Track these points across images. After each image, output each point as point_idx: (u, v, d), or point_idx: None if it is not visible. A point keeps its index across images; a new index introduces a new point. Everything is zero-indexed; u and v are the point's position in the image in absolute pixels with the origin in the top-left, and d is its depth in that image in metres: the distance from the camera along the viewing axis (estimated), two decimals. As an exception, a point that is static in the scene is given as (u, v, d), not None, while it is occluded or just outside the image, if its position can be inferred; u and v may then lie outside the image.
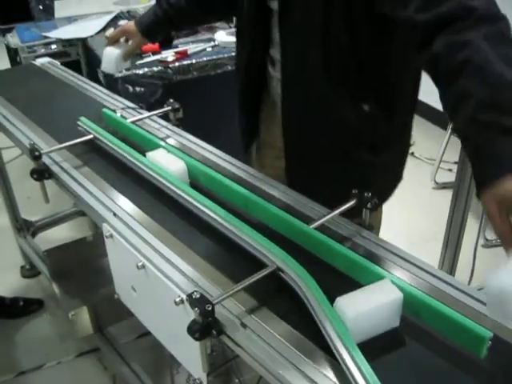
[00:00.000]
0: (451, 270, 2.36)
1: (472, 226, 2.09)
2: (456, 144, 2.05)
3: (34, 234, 2.83)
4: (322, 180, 1.58)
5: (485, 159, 0.97)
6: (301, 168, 1.61)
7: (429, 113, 4.31)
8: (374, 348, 0.97)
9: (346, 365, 0.89)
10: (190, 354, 1.13)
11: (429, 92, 4.26)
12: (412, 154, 4.00)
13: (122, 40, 1.92)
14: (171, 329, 1.19)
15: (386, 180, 1.66)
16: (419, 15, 1.13)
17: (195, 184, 1.47)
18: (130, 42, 1.91)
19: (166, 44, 1.98)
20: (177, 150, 1.56)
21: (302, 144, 1.57)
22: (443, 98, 1.09)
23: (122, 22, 3.10)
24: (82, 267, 2.18)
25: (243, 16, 1.56)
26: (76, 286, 2.13)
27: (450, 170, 3.64)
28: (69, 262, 2.20)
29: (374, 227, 1.52)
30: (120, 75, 2.49)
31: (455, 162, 2.16)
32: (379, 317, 0.98)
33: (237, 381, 1.96)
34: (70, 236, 2.87)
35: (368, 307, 0.97)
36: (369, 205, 1.26)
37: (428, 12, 1.11)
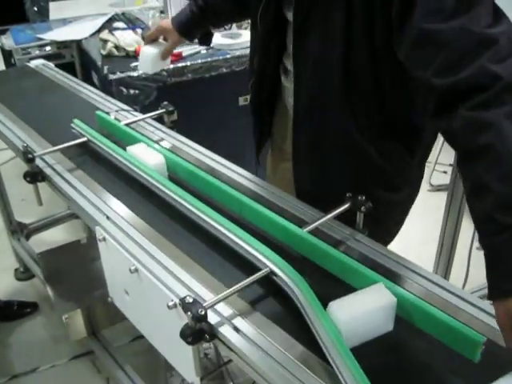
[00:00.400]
0: (446, 273, 2.36)
1: (468, 228, 2.08)
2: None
3: (28, 237, 2.82)
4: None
5: (502, 267, 0.91)
6: (310, 195, 1.49)
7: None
8: (368, 352, 0.97)
9: (338, 369, 0.89)
10: (182, 358, 1.13)
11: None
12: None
13: (161, 39, 1.85)
14: (164, 333, 1.19)
15: (395, 217, 1.59)
16: (436, 79, 1.03)
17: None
18: (168, 41, 1.83)
19: (206, 41, 1.92)
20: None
21: (313, 181, 1.49)
22: (463, 176, 1.01)
23: (117, 24, 3.10)
24: (76, 270, 2.17)
25: (258, 24, 1.49)
26: (70, 288, 2.11)
27: (445, 172, 3.64)
28: (63, 265, 2.19)
29: None
30: (114, 77, 2.48)
31: (450, 165, 2.16)
32: (372, 321, 0.98)
33: (231, 384, 1.96)
34: (64, 238, 2.87)
35: (361, 311, 0.97)
36: (363, 208, 1.26)
37: (445, 77, 1.01)
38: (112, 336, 2.24)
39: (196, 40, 1.91)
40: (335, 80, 1.29)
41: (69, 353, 2.45)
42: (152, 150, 1.56)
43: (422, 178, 1.56)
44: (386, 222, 1.52)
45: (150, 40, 1.85)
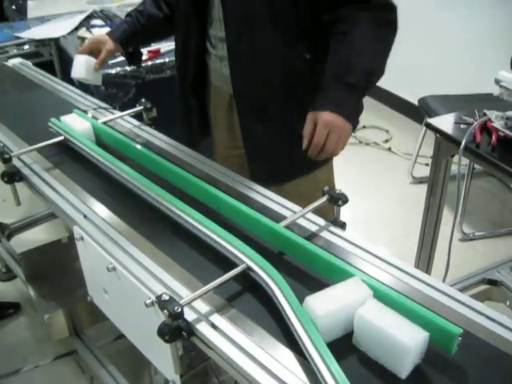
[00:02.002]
0: (428, 265, 2.37)
1: (450, 220, 2.09)
2: (433, 138, 2.06)
3: (9, 237, 2.79)
4: (277, 133, 1.66)
5: (324, 96, 1.44)
6: (254, 122, 1.66)
7: (404, 107, 4.34)
8: (345, 347, 0.97)
9: (315, 364, 0.89)
10: (162, 356, 1.12)
11: (404, 86, 4.28)
12: (389, 149, 4.02)
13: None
14: (143, 331, 1.18)
15: None
16: None
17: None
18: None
19: (135, 59, 1.95)
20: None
21: (256, 103, 1.63)
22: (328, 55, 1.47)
23: (95, 22, 3.07)
24: (57, 269, 2.15)
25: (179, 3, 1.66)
26: (52, 288, 2.10)
27: (427, 164, 3.65)
28: (44, 265, 2.17)
29: (328, 181, 1.85)
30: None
31: (432, 157, 2.16)
32: (349, 315, 0.98)
33: (216, 381, 1.95)
34: (45, 238, 2.85)
35: (337, 305, 0.97)
36: (340, 202, 1.26)
37: None
38: (95, 335, 2.24)
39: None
40: (259, 5, 1.50)
41: (52, 353, 2.43)
42: (81, 118, 1.75)
43: None
44: None
45: (83, 52, 1.89)
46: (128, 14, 1.89)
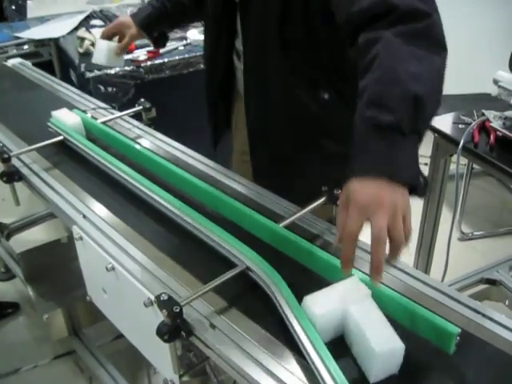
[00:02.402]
0: (427, 264, 2.38)
1: (449, 220, 2.10)
2: (431, 138, 2.07)
3: (8, 237, 2.79)
4: (285, 170, 1.58)
5: (356, 153, 0.97)
6: (264, 152, 1.61)
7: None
8: (343, 346, 0.97)
9: (314, 364, 0.89)
10: (160, 356, 1.12)
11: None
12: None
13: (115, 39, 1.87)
14: (142, 330, 1.18)
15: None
16: (347, 14, 1.15)
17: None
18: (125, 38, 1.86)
19: (161, 42, 1.93)
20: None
21: (267, 135, 1.57)
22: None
23: (95, 22, 3.08)
24: (56, 269, 2.15)
25: (209, 9, 1.56)
26: (51, 288, 2.10)
27: (426, 164, 3.64)
28: (43, 264, 2.17)
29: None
30: (92, 75, 2.47)
31: (430, 156, 2.17)
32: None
33: (215, 380, 1.96)
34: (45, 238, 2.84)
35: (335, 305, 0.97)
36: (338, 201, 1.26)
37: (353, 9, 1.12)
38: (94, 335, 2.24)
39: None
40: (274, 33, 1.38)
41: (51, 353, 2.44)
42: (71, 113, 1.77)
43: None
44: (337, 174, 1.54)
45: (106, 36, 1.87)
46: None
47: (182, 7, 1.80)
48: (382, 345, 0.89)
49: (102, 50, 1.88)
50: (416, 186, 0.95)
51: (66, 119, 1.74)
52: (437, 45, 1.04)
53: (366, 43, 1.06)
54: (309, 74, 1.43)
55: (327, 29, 1.33)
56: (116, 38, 1.88)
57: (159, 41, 1.93)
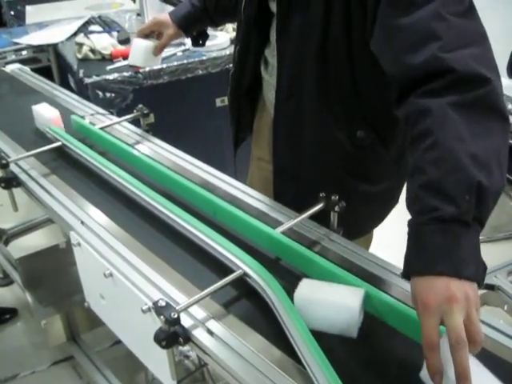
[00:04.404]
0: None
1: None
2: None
3: (6, 242, 2.79)
4: (308, 201, 1.37)
5: (415, 247, 0.90)
6: (287, 183, 1.53)
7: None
8: (341, 354, 0.98)
9: (311, 370, 0.89)
10: (158, 362, 1.12)
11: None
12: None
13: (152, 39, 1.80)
14: (140, 336, 1.18)
15: (380, 208, 1.60)
16: (394, 67, 1.09)
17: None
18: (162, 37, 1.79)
19: (200, 41, 1.86)
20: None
21: (291, 160, 1.50)
22: (408, 158, 1.03)
23: (93, 28, 3.08)
24: (55, 275, 2.15)
25: (242, 15, 1.50)
26: (49, 293, 2.10)
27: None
28: (42, 270, 2.17)
29: (365, 243, 1.61)
30: (90, 81, 2.47)
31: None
32: (337, 309, 1.00)
33: (213, 386, 1.96)
34: (43, 243, 2.84)
35: (326, 296, 1.01)
36: (336, 208, 1.27)
37: (403, 60, 1.05)
38: (92, 340, 2.24)
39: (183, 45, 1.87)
40: (312, 67, 1.31)
41: (49, 358, 2.43)
42: (50, 107, 1.85)
43: (403, 175, 1.50)
44: (364, 215, 1.54)
45: (143, 34, 1.80)
46: None
47: (223, 8, 1.73)
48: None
49: (140, 51, 1.79)
50: (482, 279, 0.87)
51: (44, 113, 1.81)
52: (498, 116, 0.95)
53: (416, 112, 0.99)
54: (346, 108, 1.35)
55: (369, 62, 1.23)
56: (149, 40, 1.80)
57: (198, 39, 1.87)
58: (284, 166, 1.52)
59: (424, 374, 0.84)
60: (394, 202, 1.60)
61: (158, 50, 1.80)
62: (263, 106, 1.65)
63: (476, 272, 0.85)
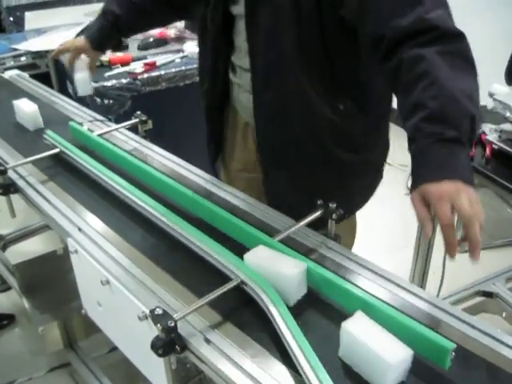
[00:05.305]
0: (423, 276, 2.37)
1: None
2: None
3: (4, 248, 2.79)
4: (300, 184, 1.57)
5: (425, 163, 1.10)
6: (278, 171, 1.59)
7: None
8: (339, 363, 0.97)
9: (308, 379, 0.89)
10: (155, 370, 1.12)
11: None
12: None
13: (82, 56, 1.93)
14: (137, 344, 1.18)
15: (366, 181, 1.68)
16: (379, 29, 1.22)
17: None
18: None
19: (117, 48, 1.99)
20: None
21: (282, 151, 1.55)
22: (400, 105, 1.19)
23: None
24: (52, 281, 2.15)
25: (207, 23, 1.54)
26: (46, 300, 2.10)
27: (423, 176, 3.66)
28: (39, 276, 2.17)
29: (351, 229, 1.69)
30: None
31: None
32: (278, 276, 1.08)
33: (210, 394, 1.95)
34: (41, 249, 2.84)
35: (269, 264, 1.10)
36: (334, 215, 1.27)
37: (391, 25, 1.20)
38: (89, 347, 2.23)
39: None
40: (288, 48, 1.38)
41: (46, 365, 2.43)
42: (30, 102, 1.97)
43: (387, 142, 1.68)
44: (350, 186, 1.61)
45: (72, 63, 1.94)
46: (104, 12, 1.86)
47: (139, 17, 1.84)
48: (394, 356, 0.90)
49: (86, 82, 1.98)
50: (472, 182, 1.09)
51: (24, 108, 1.93)
52: (471, 65, 1.17)
53: (410, 59, 1.15)
54: (326, 85, 1.43)
55: (343, 43, 1.37)
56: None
57: (117, 47, 2.07)
58: (272, 150, 1.57)
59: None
60: (378, 177, 1.72)
61: (92, 73, 1.99)
62: (233, 116, 1.69)
63: (470, 177, 1.08)
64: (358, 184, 1.63)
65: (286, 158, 1.56)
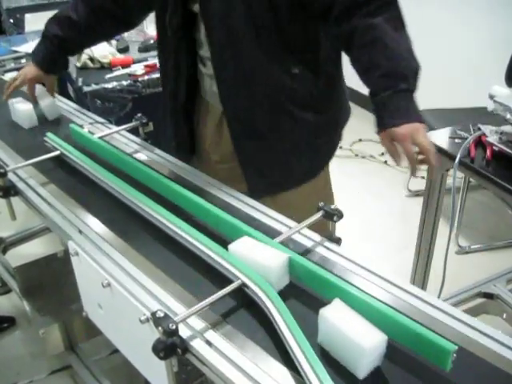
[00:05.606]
0: (424, 278, 2.37)
1: (446, 233, 2.09)
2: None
3: (4, 251, 2.79)
4: (270, 149, 1.68)
5: (385, 111, 1.39)
6: (249, 141, 1.68)
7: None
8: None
9: (309, 381, 0.89)
10: (156, 372, 1.12)
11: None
12: (385, 162, 4.03)
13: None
14: (138, 347, 1.18)
15: (328, 138, 1.80)
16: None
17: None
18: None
19: (64, 67, 2.05)
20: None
21: (246, 120, 1.65)
22: (355, 65, 1.45)
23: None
24: (53, 283, 2.15)
25: (167, 25, 1.64)
26: (47, 302, 2.10)
27: (423, 177, 3.64)
28: (40, 279, 2.17)
29: (326, 189, 1.88)
30: (89, 89, 2.47)
31: (427, 170, 2.16)
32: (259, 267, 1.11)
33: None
34: (42, 252, 2.84)
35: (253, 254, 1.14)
36: (335, 217, 1.27)
37: None
38: (90, 350, 2.23)
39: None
40: (241, 26, 1.50)
41: (47, 368, 2.42)
42: (26, 102, 2.00)
43: (346, 103, 1.85)
44: (315, 144, 1.74)
45: (33, 94, 2.02)
46: (47, 36, 1.94)
47: (82, 34, 1.90)
48: (368, 341, 0.93)
49: (52, 107, 2.04)
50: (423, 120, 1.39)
51: (19, 107, 1.97)
52: (404, 23, 1.44)
53: (364, 28, 1.40)
54: (279, 52, 1.56)
55: (292, 12, 1.51)
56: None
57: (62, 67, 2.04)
58: (240, 122, 1.66)
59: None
60: (337, 137, 1.84)
61: (53, 95, 2.07)
62: (206, 110, 1.77)
63: (421, 117, 1.39)
64: (322, 141, 1.76)
65: (254, 128, 1.65)
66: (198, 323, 1.06)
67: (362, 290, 1.10)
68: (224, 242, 1.23)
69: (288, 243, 1.25)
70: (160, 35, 1.72)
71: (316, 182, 1.79)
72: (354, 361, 0.95)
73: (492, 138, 1.90)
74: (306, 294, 1.13)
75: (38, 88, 2.02)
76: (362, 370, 0.94)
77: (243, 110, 1.64)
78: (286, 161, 1.69)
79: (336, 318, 0.98)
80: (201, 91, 1.76)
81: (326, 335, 0.99)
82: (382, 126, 1.40)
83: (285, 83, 1.59)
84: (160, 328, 0.97)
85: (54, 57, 1.93)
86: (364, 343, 0.92)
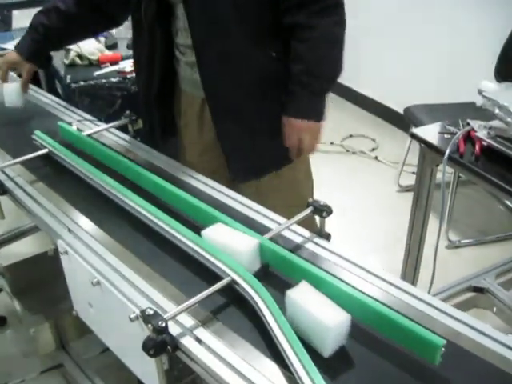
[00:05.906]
0: (414, 273, 2.38)
1: (436, 228, 2.10)
2: (418, 148, 2.07)
3: (-6, 250, 2.78)
4: (254, 132, 1.73)
5: (294, 104, 1.61)
6: (231, 124, 1.71)
7: (391, 116, 4.35)
8: (327, 359, 0.98)
9: (299, 377, 0.89)
10: (147, 370, 1.12)
11: (390, 95, 4.29)
12: (376, 158, 4.03)
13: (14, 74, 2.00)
14: (128, 345, 1.18)
15: None
16: None
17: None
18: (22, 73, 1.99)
19: (46, 65, 2.07)
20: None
21: (228, 104, 1.69)
22: (292, 49, 1.58)
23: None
24: (43, 282, 2.14)
25: (143, 16, 1.67)
26: (37, 301, 2.09)
27: (414, 172, 3.65)
28: (30, 278, 2.16)
29: (307, 181, 1.97)
30: (77, 86, 2.46)
31: (417, 166, 2.17)
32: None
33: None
34: (32, 251, 2.82)
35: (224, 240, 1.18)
36: (324, 213, 1.27)
37: None
38: (82, 348, 2.22)
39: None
40: (224, 10, 1.56)
41: (39, 367, 2.41)
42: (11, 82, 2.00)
43: None
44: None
45: (4, 79, 1.99)
46: (32, 25, 1.94)
47: (68, 25, 1.89)
48: (332, 320, 0.96)
49: (13, 94, 1.99)
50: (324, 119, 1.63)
51: (6, 87, 1.98)
52: (344, 28, 1.58)
53: (306, 26, 1.54)
54: (259, 39, 1.63)
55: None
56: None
57: (44, 64, 2.06)
58: (223, 108, 1.70)
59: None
60: None
61: (24, 88, 2.01)
62: (186, 100, 1.80)
63: (320, 118, 1.62)
64: None
65: (237, 112, 1.70)
66: (187, 320, 1.06)
67: (349, 283, 1.10)
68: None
69: (277, 239, 1.25)
70: (135, 30, 1.75)
71: (296, 172, 1.87)
72: (319, 340, 0.98)
73: (481, 133, 1.90)
74: (276, 277, 1.17)
75: (11, 76, 2.02)
76: (326, 349, 0.97)
77: (226, 95, 1.67)
78: (268, 143, 1.74)
79: (302, 298, 1.01)
80: (179, 82, 1.79)
81: (293, 315, 1.01)
82: (286, 113, 1.63)
83: (267, 67, 1.66)
84: (150, 325, 0.98)
85: (37, 46, 1.92)
86: (328, 322, 0.95)
